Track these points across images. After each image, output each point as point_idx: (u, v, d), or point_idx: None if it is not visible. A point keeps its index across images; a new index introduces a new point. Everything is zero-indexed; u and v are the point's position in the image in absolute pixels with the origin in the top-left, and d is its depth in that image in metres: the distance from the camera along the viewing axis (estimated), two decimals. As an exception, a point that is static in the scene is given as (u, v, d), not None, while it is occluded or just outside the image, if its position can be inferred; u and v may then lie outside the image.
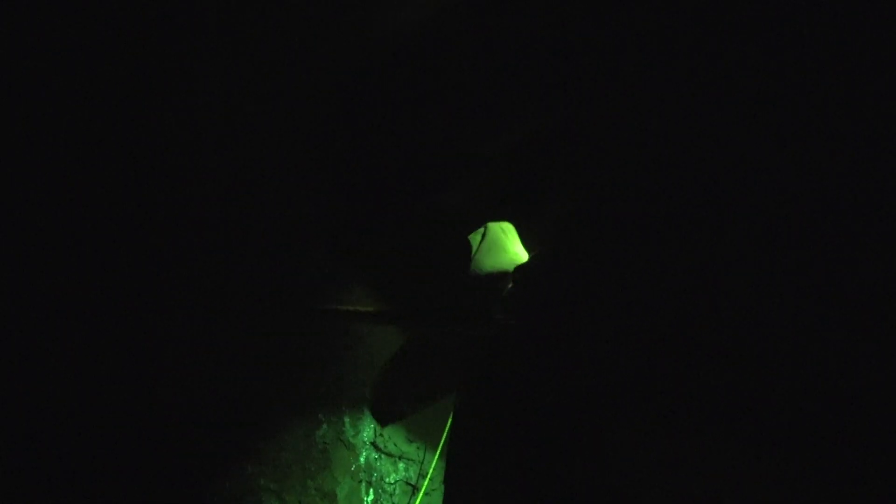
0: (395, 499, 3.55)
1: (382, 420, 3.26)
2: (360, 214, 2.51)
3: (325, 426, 3.37)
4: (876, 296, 1.16)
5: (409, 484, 3.62)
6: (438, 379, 2.89)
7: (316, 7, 2.78)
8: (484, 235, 2.51)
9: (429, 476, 3.58)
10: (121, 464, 2.68)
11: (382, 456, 3.56)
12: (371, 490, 3.48)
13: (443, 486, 2.62)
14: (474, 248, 2.43)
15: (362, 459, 3.49)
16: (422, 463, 3.64)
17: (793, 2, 1.26)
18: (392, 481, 3.56)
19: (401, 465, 3.63)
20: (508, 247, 2.43)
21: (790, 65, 1.24)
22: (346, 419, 3.46)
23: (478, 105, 1.90)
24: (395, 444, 3.62)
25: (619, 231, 1.38)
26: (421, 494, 3.55)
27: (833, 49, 1.22)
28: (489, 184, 2.30)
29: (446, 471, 2.47)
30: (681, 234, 1.28)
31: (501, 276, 2.34)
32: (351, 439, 3.46)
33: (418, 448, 3.67)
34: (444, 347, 2.80)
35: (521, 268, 2.27)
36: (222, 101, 2.76)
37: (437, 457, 3.48)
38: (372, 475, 3.50)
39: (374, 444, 3.54)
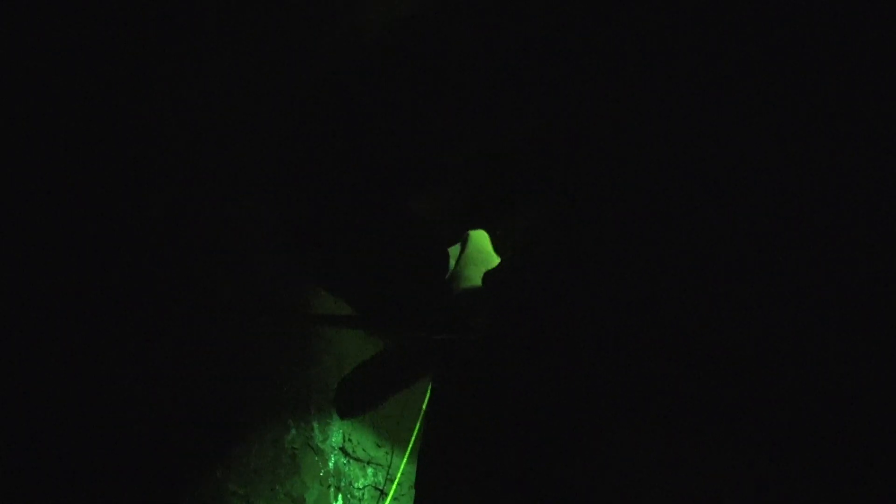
0: (364, 504, 3.53)
1: (344, 412, 3.12)
2: (336, 217, 2.47)
3: (293, 431, 3.33)
4: (875, 295, 1.17)
5: (378, 489, 3.59)
6: (407, 376, 2.83)
7: (288, 10, 2.76)
8: (465, 245, 2.42)
9: (396, 481, 3.56)
10: (86, 465, 2.62)
11: (351, 461, 3.53)
12: (340, 495, 3.44)
13: (412, 491, 2.58)
14: (455, 259, 2.35)
15: (331, 464, 3.45)
16: (389, 468, 3.62)
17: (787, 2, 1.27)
18: (361, 486, 3.53)
19: (369, 470, 3.60)
20: (492, 253, 2.36)
21: (785, 63, 1.25)
22: (315, 424, 3.42)
23: (458, 107, 1.88)
24: (364, 450, 3.60)
25: (609, 231, 1.37)
26: (389, 499, 3.53)
27: (817, 49, 1.23)
28: (467, 185, 2.28)
29: (417, 476, 2.43)
30: (673, 234, 1.28)
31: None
32: (320, 444, 3.42)
33: (387, 453, 3.65)
34: (417, 351, 2.76)
35: (494, 271, 2.24)
36: (197, 101, 2.73)
37: (404, 462, 3.46)
38: (341, 480, 3.47)
39: (342, 450, 3.51)
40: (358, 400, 2.85)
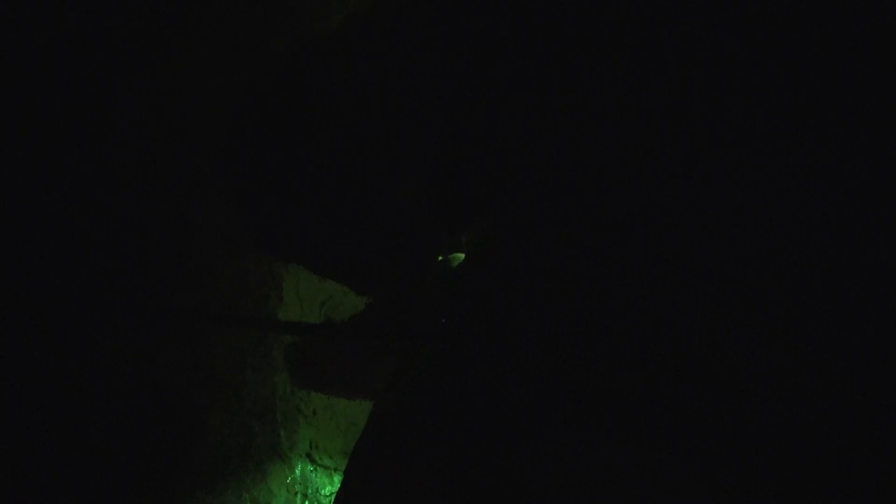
0: (331, 511, 3.53)
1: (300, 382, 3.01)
2: (302, 220, 2.46)
3: (259, 438, 3.33)
4: (838, 309, 1.17)
5: (345, 496, 3.59)
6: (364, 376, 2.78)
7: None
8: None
9: (364, 488, 3.55)
10: (48, 478, 2.60)
11: (318, 468, 3.53)
12: (307, 502, 3.45)
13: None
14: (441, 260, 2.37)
15: (297, 472, 3.45)
16: (356, 475, 3.61)
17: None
18: (327, 493, 3.53)
19: (336, 478, 3.60)
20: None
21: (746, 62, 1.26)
22: (282, 431, 3.42)
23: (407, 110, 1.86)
24: (331, 457, 3.60)
25: (560, 237, 1.39)
26: (356, 506, 3.53)
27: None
28: (424, 191, 2.28)
29: (349, 467, 2.37)
30: (626, 240, 1.28)
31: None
32: (286, 451, 3.42)
33: (354, 460, 3.65)
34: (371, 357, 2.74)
35: (454, 277, 2.25)
36: (155, 100, 2.73)
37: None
38: (307, 487, 3.47)
39: (309, 457, 3.51)
40: (313, 375, 2.78)
